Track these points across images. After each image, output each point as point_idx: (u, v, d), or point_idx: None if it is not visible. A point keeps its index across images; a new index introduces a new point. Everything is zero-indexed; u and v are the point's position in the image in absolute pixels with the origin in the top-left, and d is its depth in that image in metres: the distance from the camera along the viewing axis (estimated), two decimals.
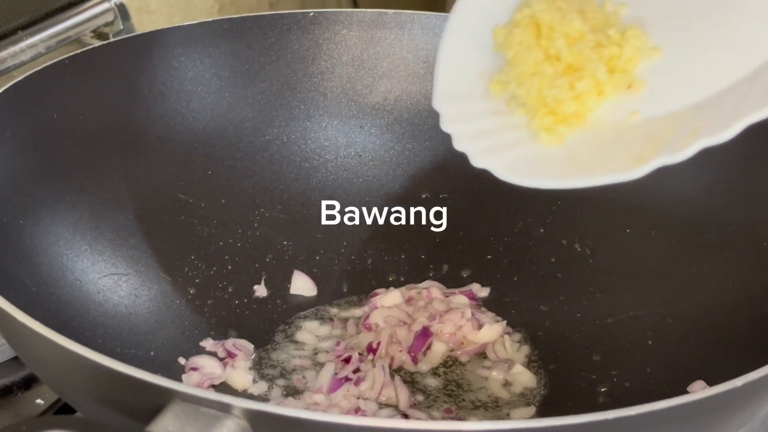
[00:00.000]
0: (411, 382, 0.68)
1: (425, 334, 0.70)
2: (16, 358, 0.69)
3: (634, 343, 0.69)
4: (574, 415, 0.43)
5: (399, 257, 0.79)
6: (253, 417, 0.41)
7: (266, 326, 0.73)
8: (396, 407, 0.65)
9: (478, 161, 0.55)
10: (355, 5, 1.38)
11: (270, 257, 0.78)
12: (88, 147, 0.72)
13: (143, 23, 0.99)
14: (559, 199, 0.78)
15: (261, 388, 0.67)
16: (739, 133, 0.47)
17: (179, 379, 0.67)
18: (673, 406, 0.44)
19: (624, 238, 0.74)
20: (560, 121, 0.53)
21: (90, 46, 0.78)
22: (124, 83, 0.75)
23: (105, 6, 0.91)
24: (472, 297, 0.75)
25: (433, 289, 0.75)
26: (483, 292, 0.76)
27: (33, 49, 0.84)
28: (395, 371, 0.69)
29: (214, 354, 0.69)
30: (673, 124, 0.51)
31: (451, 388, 0.68)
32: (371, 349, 0.69)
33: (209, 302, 0.74)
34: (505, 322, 0.73)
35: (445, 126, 0.57)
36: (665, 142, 0.50)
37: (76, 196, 0.70)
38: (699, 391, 0.45)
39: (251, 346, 0.70)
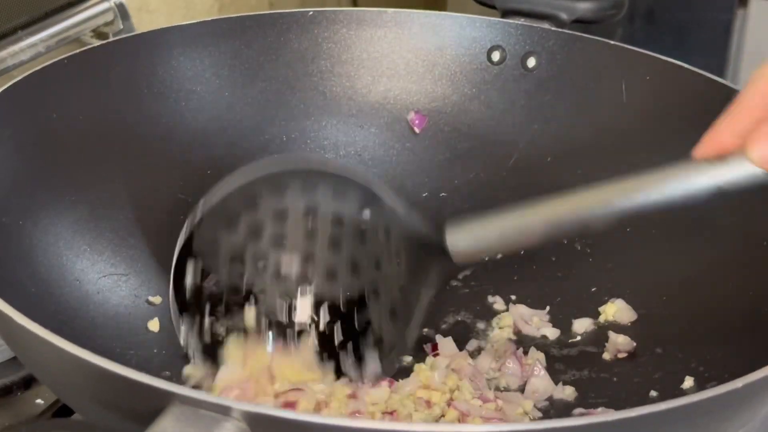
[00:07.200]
0: None
1: None
2: (15, 358, 0.69)
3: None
4: (575, 417, 0.43)
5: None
6: (253, 419, 0.41)
7: None
8: None
9: None
10: (355, 4, 1.38)
11: None
12: (87, 147, 0.72)
13: (143, 23, 0.99)
14: None
15: None
16: None
17: (179, 381, 0.67)
18: (673, 407, 0.44)
19: (624, 238, 0.74)
20: None
21: (90, 46, 0.78)
22: (123, 83, 0.75)
23: (105, 5, 0.91)
24: None
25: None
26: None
27: (33, 48, 0.84)
28: None
29: None
30: None
31: None
32: None
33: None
34: None
35: None
36: None
37: (75, 196, 0.70)
38: (699, 392, 0.45)
39: None
